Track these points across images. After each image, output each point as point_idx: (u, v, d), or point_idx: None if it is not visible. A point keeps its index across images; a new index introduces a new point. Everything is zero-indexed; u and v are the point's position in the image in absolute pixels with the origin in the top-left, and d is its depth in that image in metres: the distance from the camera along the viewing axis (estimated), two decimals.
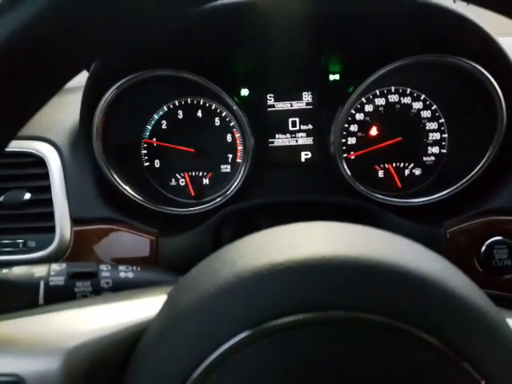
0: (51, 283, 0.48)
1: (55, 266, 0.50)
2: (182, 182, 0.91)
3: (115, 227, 0.79)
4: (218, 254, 0.32)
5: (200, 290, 0.28)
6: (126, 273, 0.52)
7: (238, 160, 0.89)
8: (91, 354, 0.30)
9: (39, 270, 0.49)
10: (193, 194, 0.90)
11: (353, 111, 0.88)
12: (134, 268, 0.53)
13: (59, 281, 0.49)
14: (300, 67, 0.88)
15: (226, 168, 0.90)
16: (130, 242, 0.79)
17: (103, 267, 0.52)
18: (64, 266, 0.50)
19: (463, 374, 0.26)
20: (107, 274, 0.51)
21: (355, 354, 0.27)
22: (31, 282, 0.48)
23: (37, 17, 0.24)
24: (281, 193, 0.89)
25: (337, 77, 0.88)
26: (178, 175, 0.90)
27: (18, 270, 0.48)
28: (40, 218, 0.78)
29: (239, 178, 0.85)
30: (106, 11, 0.24)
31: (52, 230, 0.77)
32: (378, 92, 0.87)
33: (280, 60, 0.86)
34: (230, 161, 0.90)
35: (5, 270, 0.48)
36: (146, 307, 0.34)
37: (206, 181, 0.90)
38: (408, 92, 0.87)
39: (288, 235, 0.31)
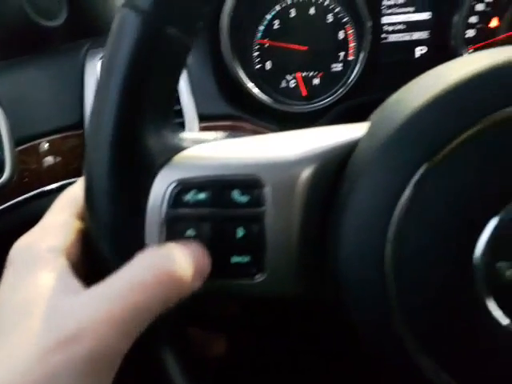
0: None
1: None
2: (292, 84, 0.92)
3: (237, 124, 0.84)
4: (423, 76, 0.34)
5: (428, 90, 0.31)
6: None
7: (350, 58, 0.89)
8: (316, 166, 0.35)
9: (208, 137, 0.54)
10: (305, 93, 0.91)
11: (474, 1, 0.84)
12: None
13: None
14: None
15: (336, 67, 0.91)
16: None
17: None
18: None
19: None
20: None
21: None
22: None
23: None
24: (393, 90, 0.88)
25: None
26: (288, 76, 0.92)
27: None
28: None
29: (351, 76, 0.86)
30: None
31: (182, 126, 0.83)
32: None
33: None
34: (341, 59, 0.90)
35: None
36: (349, 132, 0.37)
37: (316, 81, 0.92)
38: None
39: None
